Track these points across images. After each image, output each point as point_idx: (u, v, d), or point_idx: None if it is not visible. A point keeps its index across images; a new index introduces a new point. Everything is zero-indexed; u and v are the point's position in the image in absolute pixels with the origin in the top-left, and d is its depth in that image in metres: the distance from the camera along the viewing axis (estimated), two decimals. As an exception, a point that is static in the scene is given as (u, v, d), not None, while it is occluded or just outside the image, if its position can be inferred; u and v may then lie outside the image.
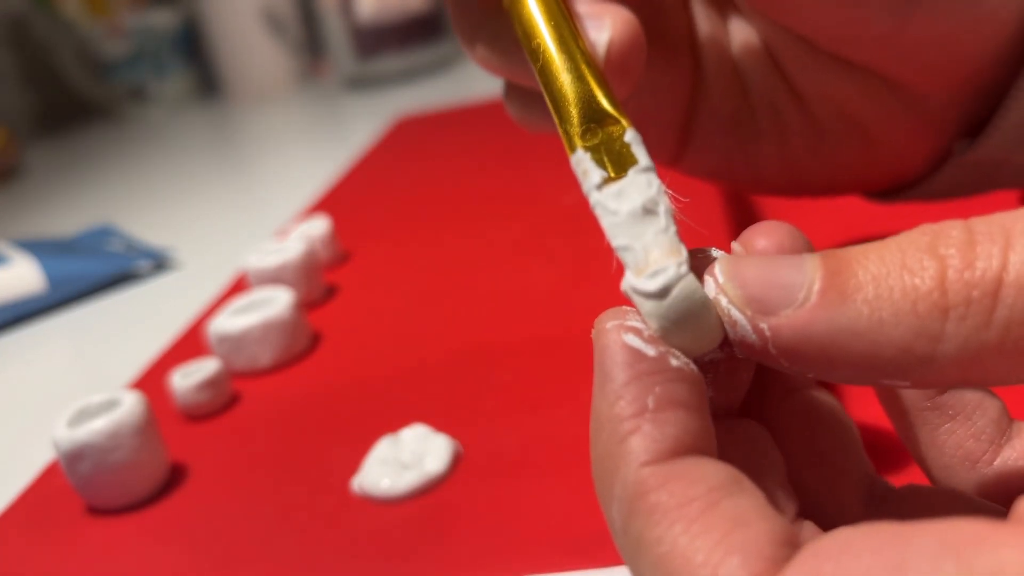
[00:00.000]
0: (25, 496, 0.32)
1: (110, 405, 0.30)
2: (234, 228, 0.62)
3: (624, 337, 0.15)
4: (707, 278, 0.16)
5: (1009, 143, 0.25)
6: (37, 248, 0.55)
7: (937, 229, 0.14)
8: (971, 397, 0.17)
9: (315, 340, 0.39)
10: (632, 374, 0.15)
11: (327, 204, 0.59)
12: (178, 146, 0.98)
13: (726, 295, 0.16)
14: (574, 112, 0.19)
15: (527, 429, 0.29)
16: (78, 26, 1.16)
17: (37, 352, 0.48)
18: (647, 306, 0.16)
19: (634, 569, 0.14)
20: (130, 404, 0.30)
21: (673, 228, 0.17)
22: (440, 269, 0.44)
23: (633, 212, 0.17)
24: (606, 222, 0.17)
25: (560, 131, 0.19)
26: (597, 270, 0.39)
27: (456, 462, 0.28)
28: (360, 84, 1.00)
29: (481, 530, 0.25)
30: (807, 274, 0.15)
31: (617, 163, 0.18)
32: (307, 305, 0.42)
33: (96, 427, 0.29)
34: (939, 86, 0.24)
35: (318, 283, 0.43)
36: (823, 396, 0.18)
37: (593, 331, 0.16)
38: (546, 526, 0.24)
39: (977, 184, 0.27)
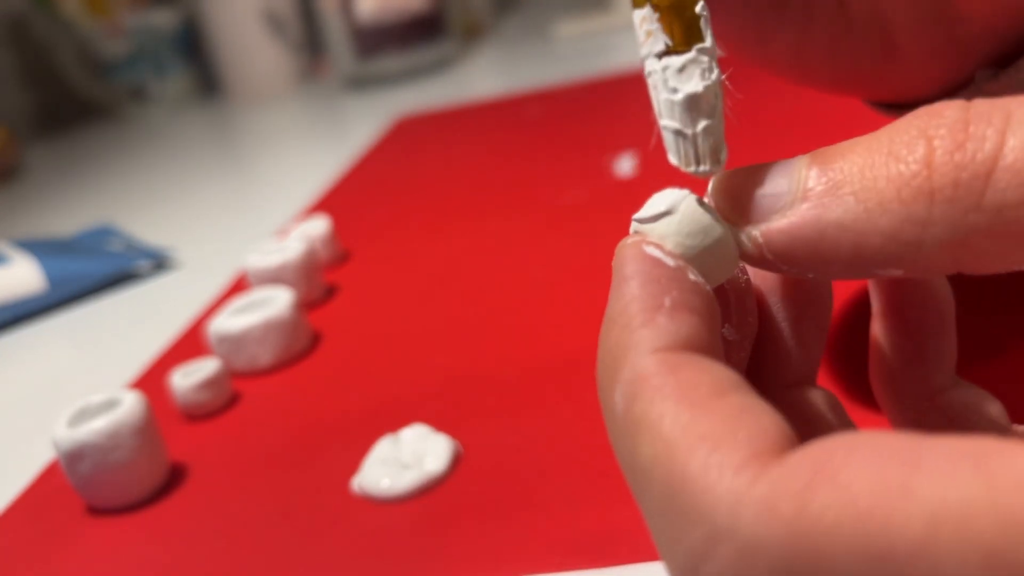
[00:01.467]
0: (25, 496, 0.32)
1: (110, 405, 0.30)
2: (234, 228, 0.62)
3: (645, 248, 0.16)
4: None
5: None
6: (37, 248, 0.55)
7: (932, 110, 0.14)
8: (970, 399, 0.17)
9: (315, 340, 0.39)
10: (650, 278, 0.15)
11: (327, 204, 0.59)
12: (178, 146, 0.98)
13: (718, 208, 0.16)
14: None
15: (527, 429, 0.29)
16: (78, 26, 1.16)
17: (37, 352, 0.48)
18: (660, 227, 0.16)
19: (628, 453, 0.14)
20: (130, 404, 0.30)
21: (722, 127, 0.17)
22: (440, 269, 0.44)
23: (693, 96, 0.17)
24: (662, 97, 0.17)
25: None
26: (597, 270, 0.39)
27: (456, 462, 0.28)
28: (360, 84, 1.00)
29: (481, 530, 0.25)
30: (793, 178, 0.15)
31: (684, 34, 0.17)
32: (307, 305, 0.42)
33: (96, 427, 0.29)
34: (985, 10, 0.23)
35: (318, 283, 0.43)
36: (821, 393, 0.18)
37: (615, 251, 0.16)
38: (546, 526, 0.24)
39: None
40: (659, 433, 0.13)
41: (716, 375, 0.14)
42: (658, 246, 0.16)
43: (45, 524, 0.30)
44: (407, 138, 0.73)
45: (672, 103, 0.17)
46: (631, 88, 0.70)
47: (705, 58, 0.17)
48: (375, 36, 0.96)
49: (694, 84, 0.17)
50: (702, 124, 0.17)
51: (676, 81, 0.17)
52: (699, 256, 0.16)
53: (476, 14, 1.13)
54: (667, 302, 0.15)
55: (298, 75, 1.10)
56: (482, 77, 0.92)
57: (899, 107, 0.27)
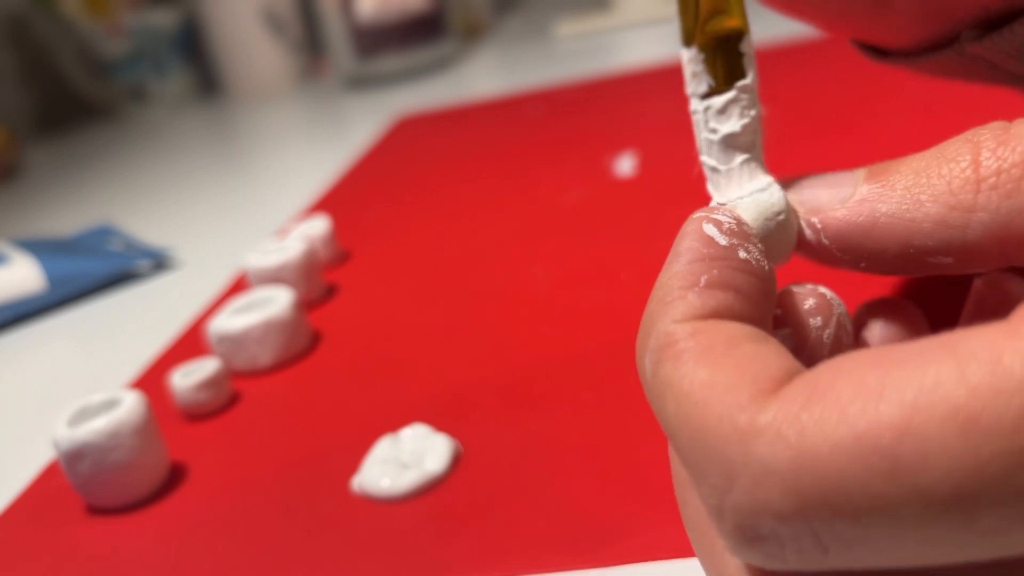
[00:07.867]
0: (25, 496, 0.32)
1: (110, 405, 0.30)
2: (234, 228, 0.62)
3: (704, 226, 0.17)
4: None
5: (1013, 51, 0.25)
6: (37, 248, 0.55)
7: (976, 128, 0.16)
8: None
9: (315, 340, 0.39)
10: (697, 256, 0.16)
11: (327, 204, 0.59)
12: (178, 146, 0.98)
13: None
14: (697, 6, 0.19)
15: (527, 429, 0.29)
16: (78, 26, 1.16)
17: (37, 352, 0.48)
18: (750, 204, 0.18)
19: (659, 412, 0.15)
20: (130, 404, 0.30)
21: (760, 161, 0.18)
22: (440, 269, 0.44)
23: (730, 135, 0.18)
24: (702, 137, 0.18)
25: (680, 23, 0.19)
26: (597, 269, 0.39)
27: (456, 462, 0.28)
28: (360, 84, 1.00)
29: (481, 530, 0.25)
30: (853, 179, 0.17)
31: (726, 72, 0.18)
32: (307, 305, 0.42)
33: (96, 427, 0.29)
34: None
35: (318, 283, 0.43)
36: None
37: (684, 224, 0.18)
38: (546, 526, 0.24)
39: (964, 73, 0.28)
40: (680, 391, 0.15)
41: (733, 332, 0.15)
42: (718, 224, 0.17)
43: (45, 524, 0.30)
44: (407, 138, 0.73)
45: (711, 142, 0.18)
46: (631, 88, 0.70)
47: (745, 96, 0.18)
48: (375, 36, 0.96)
49: (732, 124, 0.18)
50: (738, 159, 0.18)
51: (716, 122, 0.18)
52: (769, 237, 0.17)
53: (476, 14, 1.13)
54: (703, 280, 0.16)
55: (298, 75, 1.10)
56: (482, 77, 0.92)
57: (885, 54, 0.29)
